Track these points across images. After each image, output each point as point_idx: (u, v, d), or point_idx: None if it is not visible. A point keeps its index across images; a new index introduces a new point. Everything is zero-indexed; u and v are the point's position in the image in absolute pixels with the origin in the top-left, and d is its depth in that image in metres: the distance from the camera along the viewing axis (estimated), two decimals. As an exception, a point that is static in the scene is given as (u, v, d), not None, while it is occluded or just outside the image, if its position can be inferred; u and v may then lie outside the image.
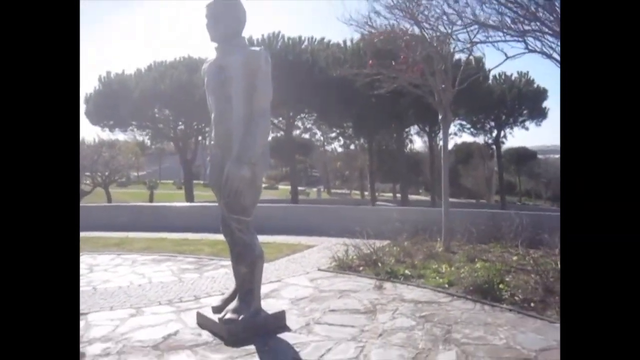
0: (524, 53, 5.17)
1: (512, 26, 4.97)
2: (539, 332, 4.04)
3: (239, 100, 4.03)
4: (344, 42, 23.24)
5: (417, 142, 41.49)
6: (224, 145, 4.13)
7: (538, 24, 4.81)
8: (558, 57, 4.88)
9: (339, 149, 51.87)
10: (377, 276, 6.01)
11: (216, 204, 4.45)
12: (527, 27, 4.96)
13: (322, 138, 46.26)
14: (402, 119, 25.58)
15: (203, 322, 4.29)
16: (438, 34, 6.83)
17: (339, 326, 4.25)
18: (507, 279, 5.48)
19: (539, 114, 29.93)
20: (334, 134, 38.27)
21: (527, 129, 30.75)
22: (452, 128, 32.18)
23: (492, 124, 31.12)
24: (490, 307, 4.72)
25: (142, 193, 38.24)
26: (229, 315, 4.01)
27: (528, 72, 28.80)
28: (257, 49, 4.12)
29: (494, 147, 34.45)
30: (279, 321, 4.25)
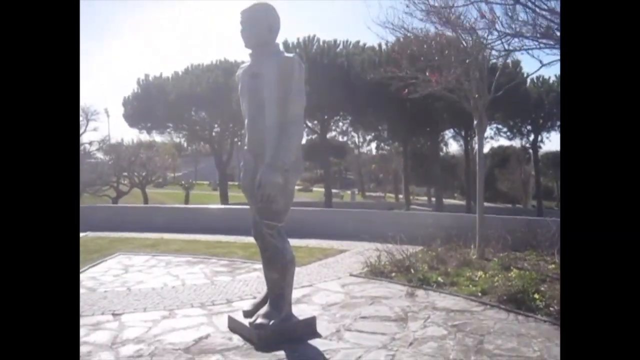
0: (558, 60, 5.03)
1: (546, 34, 4.86)
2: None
3: (272, 107, 4.06)
4: (379, 45, 23.15)
5: (453, 146, 40.96)
6: (257, 150, 4.17)
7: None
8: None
9: (374, 152, 51.69)
10: (409, 283, 5.96)
11: (248, 207, 4.49)
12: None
13: (356, 141, 46.14)
14: (437, 123, 25.34)
15: (234, 326, 4.32)
16: (473, 39, 6.74)
17: (369, 333, 4.23)
18: (542, 289, 5.35)
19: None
20: (369, 137, 38.14)
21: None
22: (488, 132, 31.67)
23: (529, 127, 30.51)
24: (524, 318, 4.63)
25: (178, 194, 38.87)
26: (259, 320, 4.04)
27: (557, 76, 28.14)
28: (291, 55, 4.15)
29: (531, 151, 33.76)
30: (309, 327, 4.26)
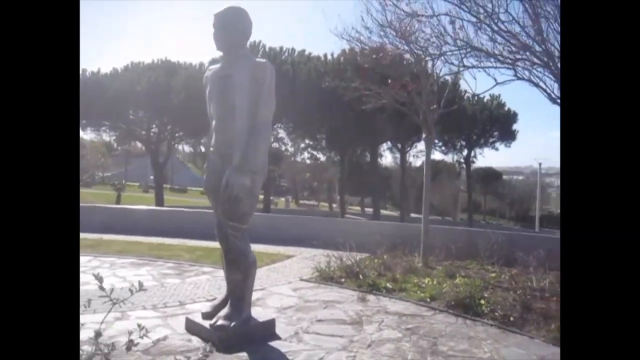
0: (512, 80, 5.41)
1: (504, 54, 5.20)
2: (520, 347, 4.20)
3: (242, 110, 4.10)
4: (325, 55, 23.49)
5: (387, 158, 41.93)
6: (224, 152, 4.18)
7: (528, 54, 5.05)
8: (544, 86, 5.14)
9: (308, 161, 51.95)
10: (360, 288, 6.11)
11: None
12: (517, 57, 5.20)
13: (292, 148, 46.27)
14: (377, 134, 25.89)
15: (192, 327, 4.30)
16: (428, 55, 7.03)
17: (328, 336, 4.32)
18: (486, 295, 5.64)
19: (509, 136, 30.76)
20: (303, 145, 38.32)
21: (497, 149, 31.55)
22: (422, 145, 32.75)
23: (464, 143, 31.80)
24: (472, 322, 4.87)
25: (108, 194, 37.57)
26: (220, 322, 4.04)
27: (500, 95, 29.62)
28: (263, 60, 4.21)
29: (464, 165, 35.16)
30: (268, 329, 4.30)
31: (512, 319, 4.88)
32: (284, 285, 6.41)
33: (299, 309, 5.20)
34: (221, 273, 5.27)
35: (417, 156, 35.70)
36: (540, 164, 33.76)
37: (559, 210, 49.42)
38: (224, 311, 4.18)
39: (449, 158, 36.21)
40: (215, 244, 4.56)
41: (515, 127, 30.77)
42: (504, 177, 58.10)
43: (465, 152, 32.49)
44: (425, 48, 6.98)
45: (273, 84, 4.16)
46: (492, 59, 5.35)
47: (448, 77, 7.97)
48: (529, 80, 5.15)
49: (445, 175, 45.32)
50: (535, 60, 4.99)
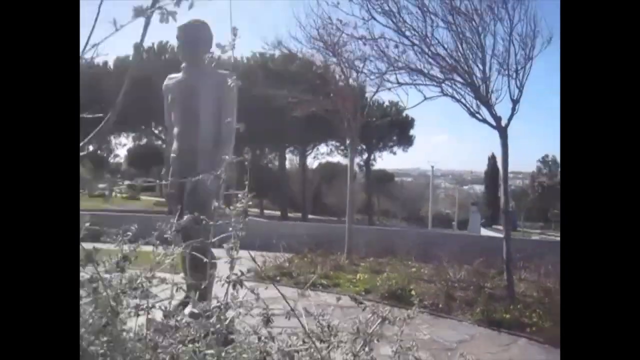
0: (439, 96, 6.14)
1: (432, 74, 5.91)
2: (452, 329, 4.90)
3: (207, 119, 4.38)
4: (234, 58, 23.51)
5: (289, 161, 42.51)
6: (187, 160, 4.42)
7: (454, 74, 5.78)
8: (464, 102, 5.92)
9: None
10: (297, 285, 6.52)
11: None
12: (446, 76, 5.92)
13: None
14: (280, 138, 26.37)
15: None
16: (354, 69, 7.60)
17: (292, 327, 4.69)
18: (412, 287, 6.30)
19: (406, 141, 32.65)
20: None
21: (394, 153, 33.31)
22: (325, 148, 33.81)
23: (364, 147, 33.21)
24: (406, 310, 5.47)
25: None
26: (185, 320, 4.26)
27: (398, 102, 31.23)
28: (227, 72, 4.50)
29: (364, 168, 36.66)
30: (229, 327, 4.58)
31: (440, 306, 5.57)
32: (218, 283, 6.64)
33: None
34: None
35: (317, 158, 36.67)
36: (432, 167, 36.15)
37: (447, 211, 52.75)
38: (187, 310, 4.41)
39: (347, 161, 37.45)
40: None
41: (412, 132, 32.68)
42: (396, 179, 60.91)
43: (365, 156, 33.94)
44: (352, 62, 7.56)
45: (236, 94, 4.47)
46: (422, 77, 6.03)
47: (372, 90, 8.62)
48: (452, 97, 5.90)
49: (342, 178, 46.53)
50: (459, 79, 5.72)
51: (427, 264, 8.05)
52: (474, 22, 5.45)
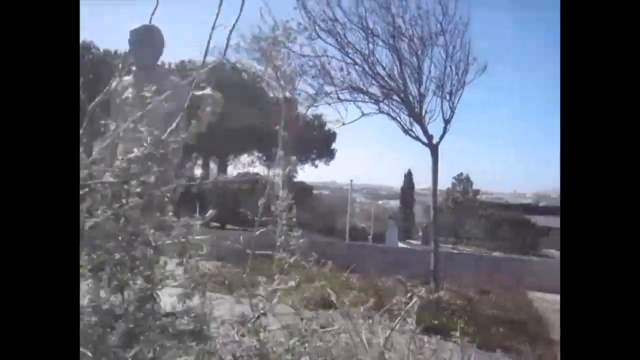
0: (376, 113, 6.48)
1: (371, 92, 6.24)
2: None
3: (162, 126, 4.40)
4: (162, 64, 22.97)
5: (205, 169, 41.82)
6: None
7: (392, 93, 6.14)
8: (399, 119, 6.33)
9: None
10: (235, 294, 6.56)
11: None
12: (385, 95, 6.28)
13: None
14: (203, 147, 25.99)
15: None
16: (293, 84, 7.81)
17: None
18: (345, 296, 6.53)
19: (328, 154, 33.17)
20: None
21: (316, 166, 33.66)
22: (247, 159, 33.74)
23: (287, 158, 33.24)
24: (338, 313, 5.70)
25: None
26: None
27: (322, 115, 31.77)
28: (178, 79, 4.54)
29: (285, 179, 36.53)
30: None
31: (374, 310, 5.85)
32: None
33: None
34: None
35: (236, 167, 36.31)
36: (351, 181, 36.88)
37: (363, 224, 53.86)
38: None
39: (269, 171, 37.44)
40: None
41: (334, 146, 33.20)
42: (314, 191, 61.62)
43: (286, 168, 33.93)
44: (290, 76, 7.75)
45: (186, 101, 4.53)
46: (362, 95, 6.35)
47: (306, 105, 8.86)
48: (388, 114, 6.26)
49: (261, 188, 46.38)
50: (396, 98, 6.10)
51: (353, 274, 8.32)
52: (413, 45, 5.84)
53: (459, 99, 6.11)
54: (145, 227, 1.68)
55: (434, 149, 6.23)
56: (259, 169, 36.45)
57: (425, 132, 6.24)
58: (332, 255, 9.09)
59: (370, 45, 6.07)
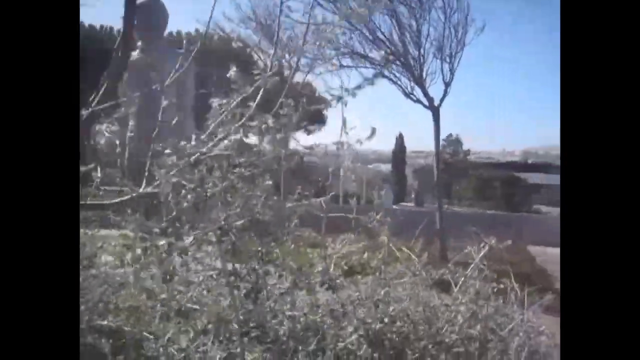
0: (377, 78, 6.45)
1: (371, 56, 6.30)
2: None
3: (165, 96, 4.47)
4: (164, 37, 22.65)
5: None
6: (147, 137, 4.49)
7: (392, 57, 6.19)
8: (400, 84, 6.40)
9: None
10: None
11: None
12: (384, 59, 6.32)
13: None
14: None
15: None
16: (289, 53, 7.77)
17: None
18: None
19: (320, 120, 33.05)
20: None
21: (309, 132, 33.56)
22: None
23: (278, 127, 33.15)
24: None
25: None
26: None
27: (311, 81, 31.51)
28: (182, 50, 4.60)
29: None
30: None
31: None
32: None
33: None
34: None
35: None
36: (340, 145, 36.59)
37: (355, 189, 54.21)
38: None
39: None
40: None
41: (325, 112, 33.05)
42: (305, 159, 61.85)
43: (278, 135, 33.88)
44: (286, 44, 7.73)
45: (192, 72, 4.60)
46: (363, 60, 6.40)
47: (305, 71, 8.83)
48: (390, 79, 6.34)
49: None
50: (398, 63, 6.16)
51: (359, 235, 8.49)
52: (411, 9, 5.88)
53: (459, 60, 6.19)
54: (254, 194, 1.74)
55: (435, 112, 6.33)
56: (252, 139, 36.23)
57: (426, 94, 6.32)
58: (337, 219, 9.27)
59: (371, 10, 6.10)
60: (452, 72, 6.20)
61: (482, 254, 2.41)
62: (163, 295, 1.96)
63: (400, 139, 37.63)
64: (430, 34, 6.22)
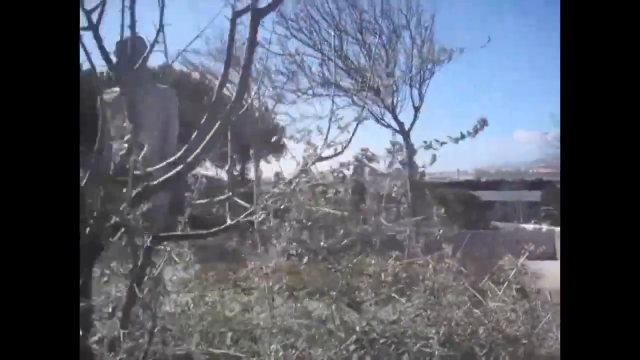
0: (349, 106, 6.76)
1: (344, 86, 6.53)
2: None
3: (155, 134, 4.47)
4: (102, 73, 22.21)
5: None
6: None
7: (365, 86, 6.45)
8: (371, 110, 6.64)
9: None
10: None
11: None
12: (359, 89, 6.58)
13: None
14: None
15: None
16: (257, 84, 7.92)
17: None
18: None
19: (278, 149, 32.97)
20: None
21: (269, 162, 33.34)
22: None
23: (237, 157, 32.92)
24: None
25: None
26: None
27: (269, 110, 31.35)
28: (167, 87, 4.65)
29: (239, 179, 36.19)
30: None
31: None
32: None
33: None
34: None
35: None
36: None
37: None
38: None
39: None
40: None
41: (284, 140, 32.87)
42: (262, 187, 61.62)
43: (239, 167, 33.68)
44: (255, 78, 7.88)
45: (177, 109, 4.64)
46: (336, 89, 6.63)
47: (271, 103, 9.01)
48: (362, 106, 6.54)
49: (213, 189, 45.95)
50: (368, 94, 6.43)
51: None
52: (381, 40, 6.16)
53: (426, 88, 6.48)
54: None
55: (405, 135, 6.56)
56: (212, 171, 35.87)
57: (396, 119, 6.58)
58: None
59: (343, 42, 6.39)
60: (421, 97, 6.49)
61: (522, 259, 2.66)
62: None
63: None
64: (398, 63, 6.52)
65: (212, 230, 2.26)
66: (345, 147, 2.11)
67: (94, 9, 1.91)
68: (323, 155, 2.12)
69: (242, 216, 2.11)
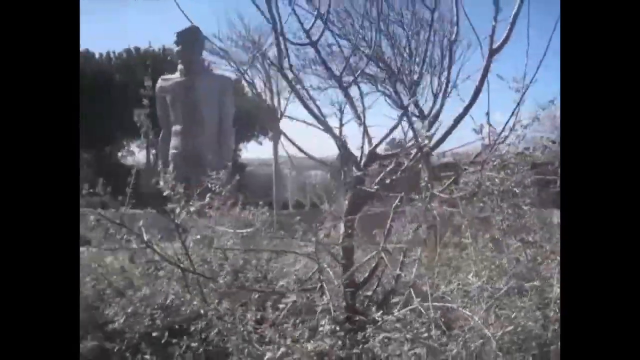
0: (373, 92, 7.18)
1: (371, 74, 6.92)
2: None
3: (210, 118, 4.84)
4: (107, 53, 22.04)
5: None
6: (190, 154, 4.83)
7: (391, 74, 6.86)
8: (394, 98, 7.05)
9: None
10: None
11: None
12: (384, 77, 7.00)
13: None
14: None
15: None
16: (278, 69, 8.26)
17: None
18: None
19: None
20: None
21: (260, 143, 33.19)
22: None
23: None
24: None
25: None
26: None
27: (262, 92, 31.15)
28: (226, 75, 5.00)
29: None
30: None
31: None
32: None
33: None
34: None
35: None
36: (288, 155, 36.93)
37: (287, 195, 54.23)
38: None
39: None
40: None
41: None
42: (249, 168, 61.55)
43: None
44: (271, 62, 8.22)
45: (233, 96, 5.00)
46: (364, 78, 7.03)
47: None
48: (383, 93, 7.02)
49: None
50: (388, 81, 6.87)
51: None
52: (404, 29, 6.57)
53: (449, 76, 6.88)
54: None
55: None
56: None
57: (417, 106, 7.00)
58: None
59: (370, 32, 6.75)
60: (440, 85, 6.94)
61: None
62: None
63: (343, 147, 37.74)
64: (421, 52, 6.92)
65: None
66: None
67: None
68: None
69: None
